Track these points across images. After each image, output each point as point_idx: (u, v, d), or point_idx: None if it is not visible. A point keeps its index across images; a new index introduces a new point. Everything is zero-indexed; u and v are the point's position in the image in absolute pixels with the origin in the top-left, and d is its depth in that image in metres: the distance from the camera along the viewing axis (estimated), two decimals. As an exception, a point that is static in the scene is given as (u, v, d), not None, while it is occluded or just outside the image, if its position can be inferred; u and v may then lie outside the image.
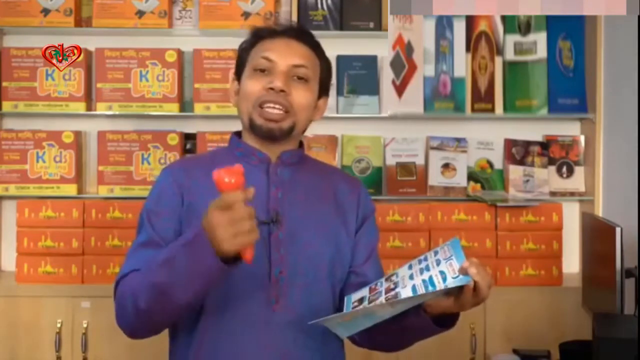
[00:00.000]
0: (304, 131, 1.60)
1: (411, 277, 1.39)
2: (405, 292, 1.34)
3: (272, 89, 1.48)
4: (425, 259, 1.41)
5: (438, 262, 1.38)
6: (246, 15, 2.95)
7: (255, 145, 1.55)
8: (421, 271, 1.38)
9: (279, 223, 1.49)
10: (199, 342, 1.47)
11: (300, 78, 1.52)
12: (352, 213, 1.59)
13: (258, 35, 1.57)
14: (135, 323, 1.43)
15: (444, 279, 1.33)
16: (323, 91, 1.60)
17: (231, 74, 1.62)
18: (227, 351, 1.46)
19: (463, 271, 1.31)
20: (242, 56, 1.58)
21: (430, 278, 1.35)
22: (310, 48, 1.56)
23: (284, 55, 1.51)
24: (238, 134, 1.62)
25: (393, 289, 1.38)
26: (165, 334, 2.79)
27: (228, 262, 1.29)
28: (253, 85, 1.51)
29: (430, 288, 1.32)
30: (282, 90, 1.49)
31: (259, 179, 1.51)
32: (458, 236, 1.42)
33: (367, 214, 1.62)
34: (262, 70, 1.51)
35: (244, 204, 1.25)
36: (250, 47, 1.57)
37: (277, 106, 1.49)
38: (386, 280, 1.44)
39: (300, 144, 1.61)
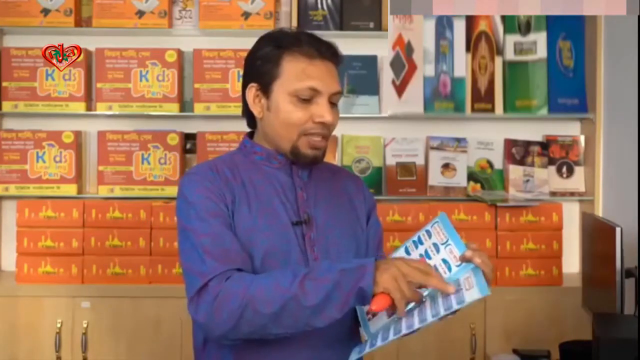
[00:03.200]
0: None
1: None
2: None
3: (322, 123, 1.50)
4: (421, 242, 1.47)
5: (437, 248, 1.44)
6: (246, 15, 2.95)
7: (272, 148, 1.56)
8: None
9: (310, 223, 1.53)
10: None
11: (334, 104, 1.54)
12: (362, 209, 1.65)
13: (284, 46, 1.51)
14: (239, 324, 1.38)
15: (449, 268, 1.41)
16: None
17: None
18: (267, 346, 1.47)
19: (465, 260, 1.39)
20: (266, 66, 1.52)
21: (436, 268, 1.41)
22: (337, 67, 1.57)
23: (328, 84, 1.51)
24: (248, 135, 1.62)
25: None
26: (164, 335, 2.80)
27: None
28: (300, 116, 1.50)
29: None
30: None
31: (285, 181, 1.55)
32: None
33: (371, 207, 1.69)
34: (307, 100, 1.50)
35: (418, 290, 1.33)
36: (277, 59, 1.51)
37: (322, 137, 1.53)
38: None
39: None
